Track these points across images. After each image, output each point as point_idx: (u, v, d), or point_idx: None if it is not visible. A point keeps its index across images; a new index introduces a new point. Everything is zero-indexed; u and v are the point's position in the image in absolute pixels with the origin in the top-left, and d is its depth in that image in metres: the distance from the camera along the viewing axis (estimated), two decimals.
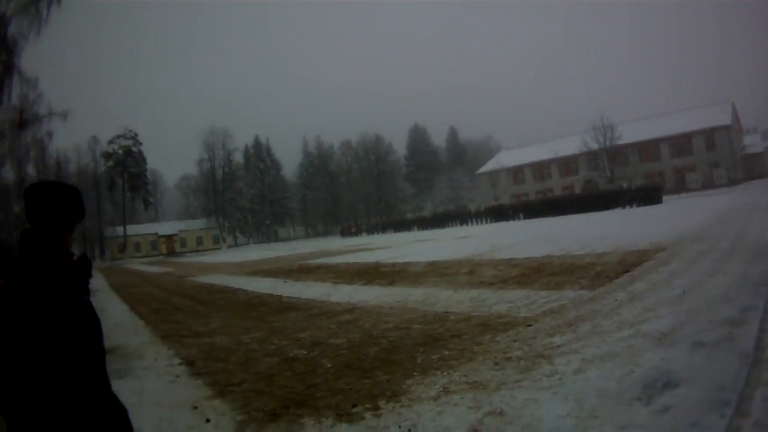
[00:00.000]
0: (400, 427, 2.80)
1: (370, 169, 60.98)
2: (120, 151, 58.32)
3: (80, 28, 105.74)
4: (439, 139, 72.41)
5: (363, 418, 3.02)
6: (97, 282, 21.02)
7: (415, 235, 31.60)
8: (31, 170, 30.04)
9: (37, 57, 28.42)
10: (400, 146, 67.56)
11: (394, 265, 11.71)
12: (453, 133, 73.73)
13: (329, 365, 4.27)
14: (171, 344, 6.28)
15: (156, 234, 61.17)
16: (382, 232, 45.13)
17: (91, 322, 1.38)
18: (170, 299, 11.52)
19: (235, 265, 21.46)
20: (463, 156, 69.96)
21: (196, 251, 57.86)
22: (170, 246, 60.43)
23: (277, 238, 63.27)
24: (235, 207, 61.03)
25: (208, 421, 3.52)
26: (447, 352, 4.12)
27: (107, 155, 58.33)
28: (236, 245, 59.46)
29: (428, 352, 4.22)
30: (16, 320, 1.31)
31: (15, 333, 1.30)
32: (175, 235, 61.59)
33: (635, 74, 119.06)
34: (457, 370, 3.62)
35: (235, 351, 5.40)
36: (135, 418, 3.02)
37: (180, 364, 5.27)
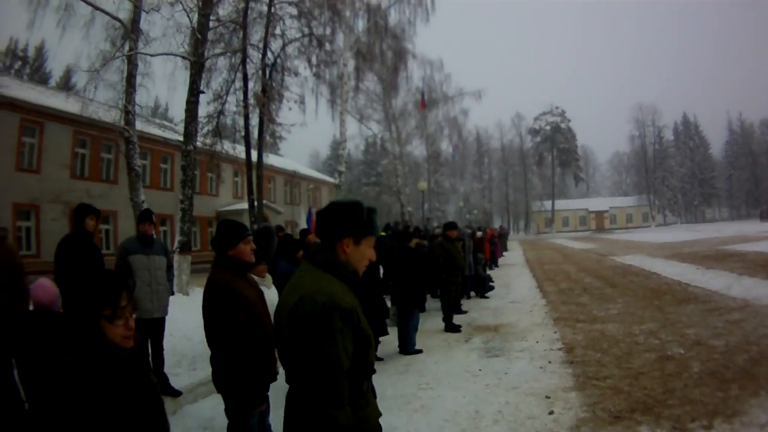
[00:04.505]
0: None
1: None
2: (547, 128, 59.30)
3: (477, 11, 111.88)
4: None
5: None
6: (514, 256, 23.29)
7: None
8: (445, 146, 32.54)
9: (436, 42, 29.65)
10: None
11: None
12: None
13: (696, 370, 4.19)
14: (561, 328, 6.40)
15: (586, 209, 61.76)
16: None
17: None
18: (583, 279, 11.78)
19: (658, 245, 21.27)
20: None
21: (625, 228, 57.73)
22: (600, 222, 60.44)
23: (704, 219, 61.99)
24: (666, 186, 59.83)
25: (551, 413, 3.61)
26: None
27: (534, 131, 60.25)
28: (665, 224, 58.81)
29: None
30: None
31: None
32: (606, 211, 61.33)
33: None
34: None
35: (619, 342, 5.41)
36: (483, 400, 3.95)
37: (559, 349, 5.35)
